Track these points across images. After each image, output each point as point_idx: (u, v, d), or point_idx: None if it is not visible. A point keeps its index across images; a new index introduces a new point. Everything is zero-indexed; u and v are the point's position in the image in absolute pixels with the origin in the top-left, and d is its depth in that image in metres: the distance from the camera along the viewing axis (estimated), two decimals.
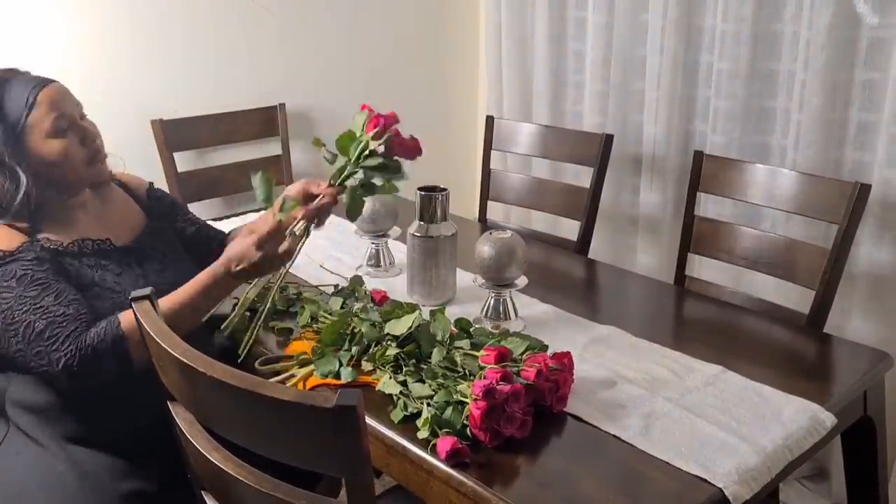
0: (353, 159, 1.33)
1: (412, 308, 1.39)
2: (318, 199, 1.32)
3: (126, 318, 1.24)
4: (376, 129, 1.31)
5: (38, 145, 1.30)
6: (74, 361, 1.20)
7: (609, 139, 2.15)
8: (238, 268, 1.31)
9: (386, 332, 1.34)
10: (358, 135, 1.33)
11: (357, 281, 1.60)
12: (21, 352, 1.22)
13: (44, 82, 1.32)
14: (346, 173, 1.33)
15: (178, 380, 0.98)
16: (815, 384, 1.33)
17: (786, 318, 1.69)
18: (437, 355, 1.28)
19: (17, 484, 1.29)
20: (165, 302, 1.28)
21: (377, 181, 1.34)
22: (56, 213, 1.36)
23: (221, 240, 1.65)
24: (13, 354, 1.23)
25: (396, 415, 1.21)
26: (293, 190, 1.36)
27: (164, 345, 0.96)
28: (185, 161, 2.47)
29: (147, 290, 1.08)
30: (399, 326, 1.32)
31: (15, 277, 1.23)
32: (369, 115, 1.33)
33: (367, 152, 1.31)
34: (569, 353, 1.27)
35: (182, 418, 1.05)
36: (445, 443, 1.11)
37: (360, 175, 1.33)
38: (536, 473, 1.11)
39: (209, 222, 1.74)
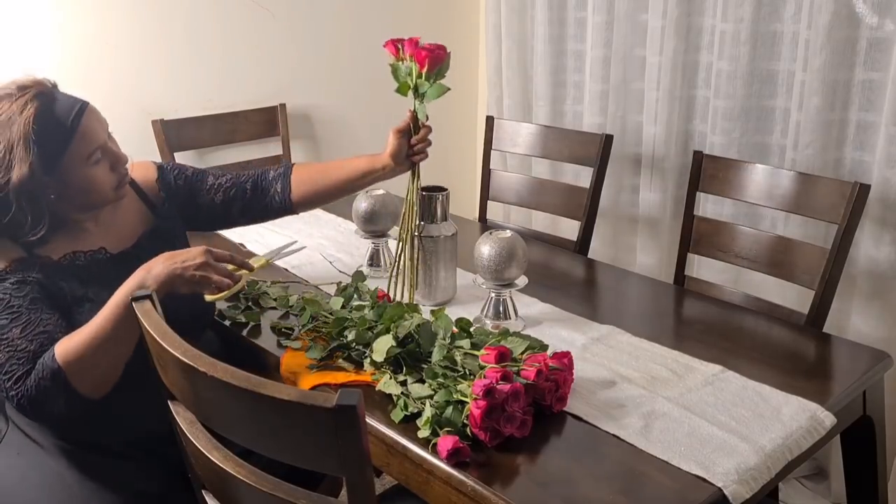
0: (419, 99, 1.49)
1: (401, 311, 1.39)
2: (422, 146, 1.54)
3: (61, 348, 1.20)
4: (435, 68, 1.44)
5: (73, 176, 1.28)
6: (25, 402, 1.19)
7: (609, 139, 2.15)
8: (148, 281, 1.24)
9: (375, 345, 1.33)
10: (413, 81, 1.47)
11: (359, 276, 1.60)
12: None
13: (80, 112, 1.28)
14: (423, 110, 1.51)
15: (179, 379, 0.98)
16: (814, 384, 1.33)
17: (785, 317, 1.69)
18: (437, 355, 1.29)
19: (18, 483, 1.29)
20: (76, 339, 1.22)
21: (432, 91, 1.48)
22: (68, 225, 1.34)
23: (255, 181, 1.58)
24: None
25: (397, 414, 1.21)
26: (394, 149, 1.54)
27: (164, 344, 0.96)
28: (185, 161, 2.46)
29: (147, 290, 1.08)
30: (383, 343, 1.31)
31: None
32: (413, 55, 1.45)
33: (423, 89, 1.47)
34: (569, 352, 1.27)
35: (183, 418, 1.06)
36: (446, 442, 1.11)
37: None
38: (536, 473, 1.12)
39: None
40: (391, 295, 1.55)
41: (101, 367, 1.23)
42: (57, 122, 1.26)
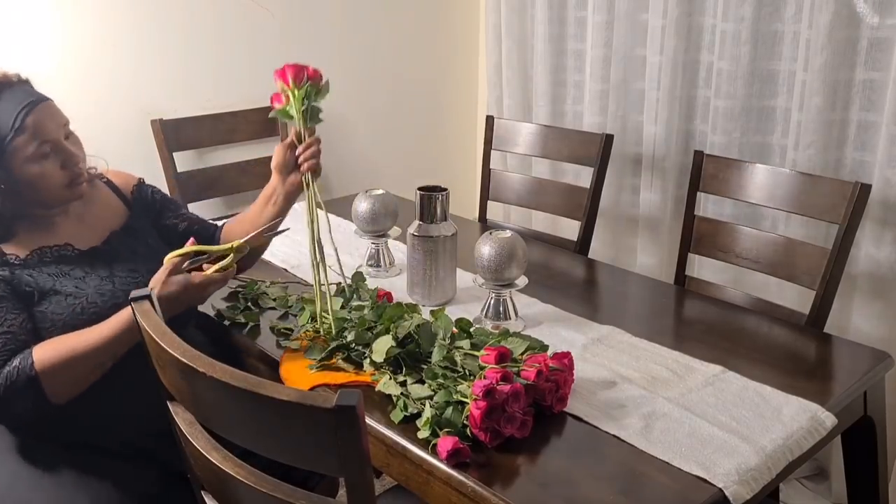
0: (302, 114, 1.42)
1: (401, 311, 1.38)
2: (307, 154, 1.44)
3: (39, 354, 1.22)
4: (308, 82, 1.40)
5: (19, 168, 1.28)
6: None
7: (609, 139, 2.15)
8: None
9: (373, 348, 1.32)
10: (293, 104, 1.41)
11: (359, 277, 1.59)
12: None
13: (32, 104, 1.28)
14: (304, 123, 1.43)
15: (178, 380, 0.98)
16: (815, 384, 1.33)
17: (786, 318, 1.68)
18: (437, 355, 1.28)
19: (11, 484, 1.28)
20: (61, 345, 1.24)
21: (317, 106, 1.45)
22: (33, 218, 1.34)
23: (213, 233, 1.63)
24: None
25: (396, 415, 1.20)
26: (276, 160, 1.47)
27: (163, 344, 0.96)
28: (184, 161, 2.47)
29: (147, 290, 1.07)
30: (382, 343, 1.31)
31: None
32: (296, 79, 1.41)
33: (307, 104, 1.42)
34: (569, 353, 1.27)
35: (182, 418, 1.05)
36: (447, 442, 1.10)
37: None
38: (537, 474, 1.11)
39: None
40: (320, 331, 1.43)
41: (80, 378, 1.24)
42: (4, 110, 1.26)
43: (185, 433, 1.04)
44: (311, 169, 1.44)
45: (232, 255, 1.37)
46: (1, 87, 1.28)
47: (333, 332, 1.39)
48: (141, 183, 1.57)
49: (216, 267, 1.36)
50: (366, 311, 1.42)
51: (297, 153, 1.46)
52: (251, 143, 2.61)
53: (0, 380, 1.20)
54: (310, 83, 1.40)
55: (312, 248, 1.40)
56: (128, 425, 1.33)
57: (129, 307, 1.25)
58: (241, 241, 1.38)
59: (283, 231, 1.49)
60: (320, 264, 1.40)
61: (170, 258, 1.33)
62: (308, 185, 1.44)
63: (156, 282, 1.29)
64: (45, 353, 1.22)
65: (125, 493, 1.30)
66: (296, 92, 1.39)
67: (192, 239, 1.39)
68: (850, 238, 1.64)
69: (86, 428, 1.31)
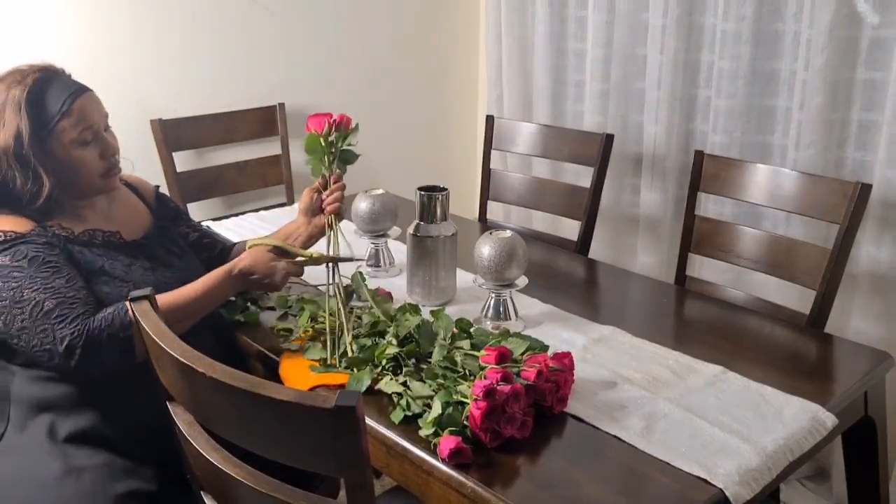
0: (329, 157, 1.46)
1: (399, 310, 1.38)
2: (331, 198, 1.46)
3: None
4: (339, 129, 1.45)
5: (61, 150, 1.34)
6: (79, 342, 1.22)
7: (609, 139, 2.15)
8: (238, 270, 1.37)
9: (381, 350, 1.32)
10: (323, 143, 1.44)
11: (357, 279, 1.59)
12: (25, 329, 1.23)
13: (80, 91, 1.36)
14: (331, 165, 1.46)
15: (178, 380, 0.98)
16: (815, 384, 1.33)
17: (787, 318, 1.68)
18: (437, 355, 1.28)
19: (12, 482, 1.28)
20: (167, 298, 1.30)
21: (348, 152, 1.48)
22: (66, 210, 1.38)
23: (224, 246, 1.66)
24: (16, 332, 1.24)
25: (397, 415, 1.20)
26: (304, 204, 1.52)
27: (163, 345, 0.95)
28: (184, 161, 2.47)
29: (146, 291, 1.07)
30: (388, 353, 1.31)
31: (26, 258, 1.26)
32: (318, 129, 1.44)
33: (339, 147, 1.46)
34: (569, 353, 1.26)
35: (181, 419, 1.05)
36: (449, 442, 1.10)
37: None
38: (537, 474, 1.11)
39: (209, 223, 1.74)
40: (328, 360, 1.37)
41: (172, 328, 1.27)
42: (53, 94, 1.33)
43: (184, 434, 1.04)
44: (334, 212, 1.48)
45: (306, 259, 1.43)
46: (53, 74, 1.36)
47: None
48: (159, 190, 1.62)
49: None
50: (364, 319, 1.41)
51: (323, 196, 1.51)
52: (251, 142, 2.61)
53: (97, 322, 1.23)
54: (336, 132, 1.43)
55: (333, 288, 1.42)
56: (133, 412, 1.33)
57: (220, 267, 1.37)
58: (320, 254, 1.43)
59: (355, 261, 1.48)
60: (342, 303, 1.41)
61: (254, 243, 1.42)
62: (331, 225, 1.47)
63: (251, 255, 1.38)
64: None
65: (124, 492, 1.29)
66: (324, 137, 1.43)
67: (287, 234, 1.51)
68: (851, 238, 1.64)
69: (93, 411, 1.32)
